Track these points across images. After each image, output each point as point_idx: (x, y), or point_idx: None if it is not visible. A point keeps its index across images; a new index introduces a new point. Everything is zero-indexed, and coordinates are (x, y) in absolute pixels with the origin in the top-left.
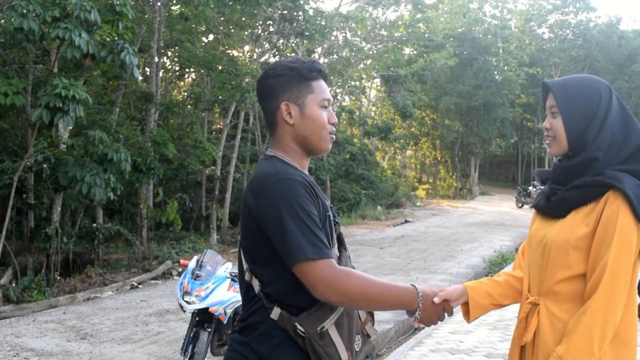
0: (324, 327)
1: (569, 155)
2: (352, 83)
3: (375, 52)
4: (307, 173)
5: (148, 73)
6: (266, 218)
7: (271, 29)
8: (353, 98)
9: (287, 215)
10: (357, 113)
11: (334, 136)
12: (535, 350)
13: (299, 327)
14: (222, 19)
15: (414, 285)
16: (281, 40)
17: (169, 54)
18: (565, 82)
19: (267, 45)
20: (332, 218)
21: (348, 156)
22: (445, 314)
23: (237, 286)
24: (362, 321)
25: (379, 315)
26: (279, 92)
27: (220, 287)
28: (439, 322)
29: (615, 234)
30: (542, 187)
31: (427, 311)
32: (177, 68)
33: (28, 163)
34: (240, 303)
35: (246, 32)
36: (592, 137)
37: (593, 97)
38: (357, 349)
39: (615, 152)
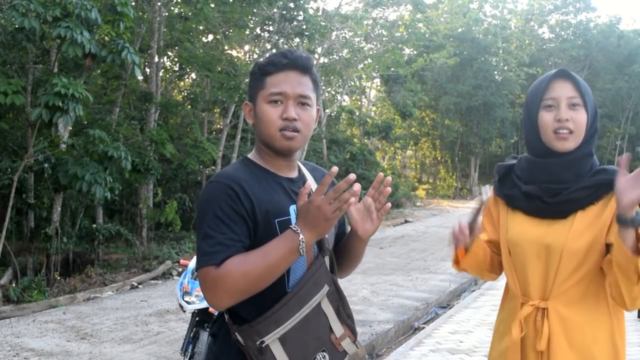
0: (263, 342)
1: (573, 150)
2: (352, 83)
3: (375, 52)
4: (282, 175)
5: (148, 73)
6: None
7: (271, 28)
8: (353, 98)
9: (200, 220)
10: (357, 113)
11: (290, 133)
12: (548, 357)
13: (238, 337)
14: (222, 18)
15: (289, 227)
16: (281, 40)
17: (169, 54)
18: (576, 76)
19: (267, 45)
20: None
21: (348, 156)
22: (337, 210)
23: None
24: (337, 337)
25: (379, 315)
26: (248, 90)
27: None
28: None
29: None
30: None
31: (312, 224)
32: (177, 68)
33: (28, 163)
34: None
35: (246, 32)
36: (596, 131)
37: (590, 92)
38: None
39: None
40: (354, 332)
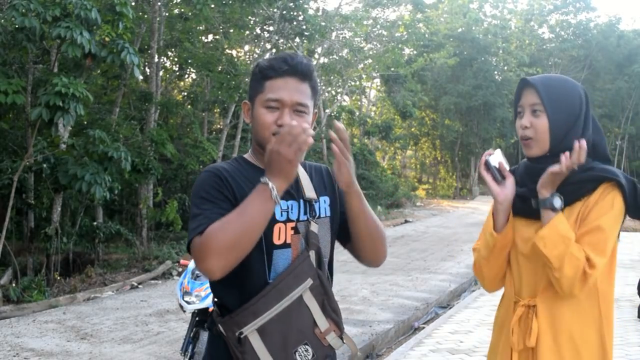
0: (242, 332)
1: (547, 156)
2: (352, 83)
3: (375, 52)
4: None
5: (148, 73)
6: None
7: (271, 28)
8: (353, 98)
9: (191, 204)
10: (357, 113)
11: None
12: (535, 354)
13: (221, 329)
14: (222, 18)
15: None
16: (281, 40)
17: (169, 54)
18: (548, 81)
19: (267, 45)
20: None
21: None
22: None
23: None
24: (322, 331)
25: (379, 315)
26: (248, 90)
27: None
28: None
29: (612, 208)
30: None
31: (277, 170)
32: (177, 68)
33: (28, 163)
34: None
35: (246, 32)
36: (577, 138)
37: (575, 98)
38: None
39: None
40: (339, 327)
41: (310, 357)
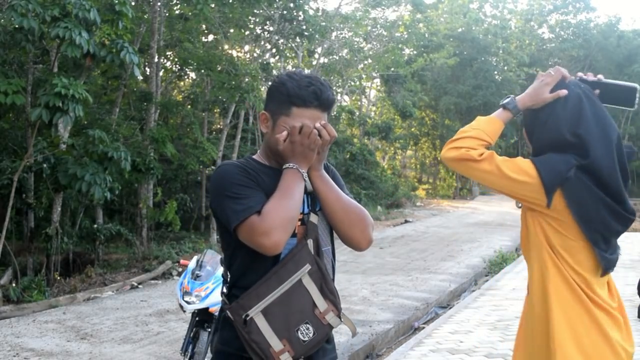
0: (248, 315)
1: (534, 154)
2: (352, 83)
3: (375, 52)
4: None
5: (148, 73)
6: (211, 201)
7: (271, 28)
8: (353, 98)
9: (217, 192)
10: (357, 113)
11: None
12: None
13: (228, 314)
14: (222, 18)
15: (285, 167)
16: (281, 40)
17: (169, 54)
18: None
19: (267, 45)
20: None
21: (348, 156)
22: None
23: None
24: (321, 311)
25: (379, 315)
26: (268, 99)
27: (220, 287)
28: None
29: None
30: None
31: (302, 156)
32: (176, 68)
33: (28, 163)
34: None
35: (246, 33)
36: (532, 135)
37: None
38: (305, 339)
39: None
40: (337, 307)
41: (311, 335)
